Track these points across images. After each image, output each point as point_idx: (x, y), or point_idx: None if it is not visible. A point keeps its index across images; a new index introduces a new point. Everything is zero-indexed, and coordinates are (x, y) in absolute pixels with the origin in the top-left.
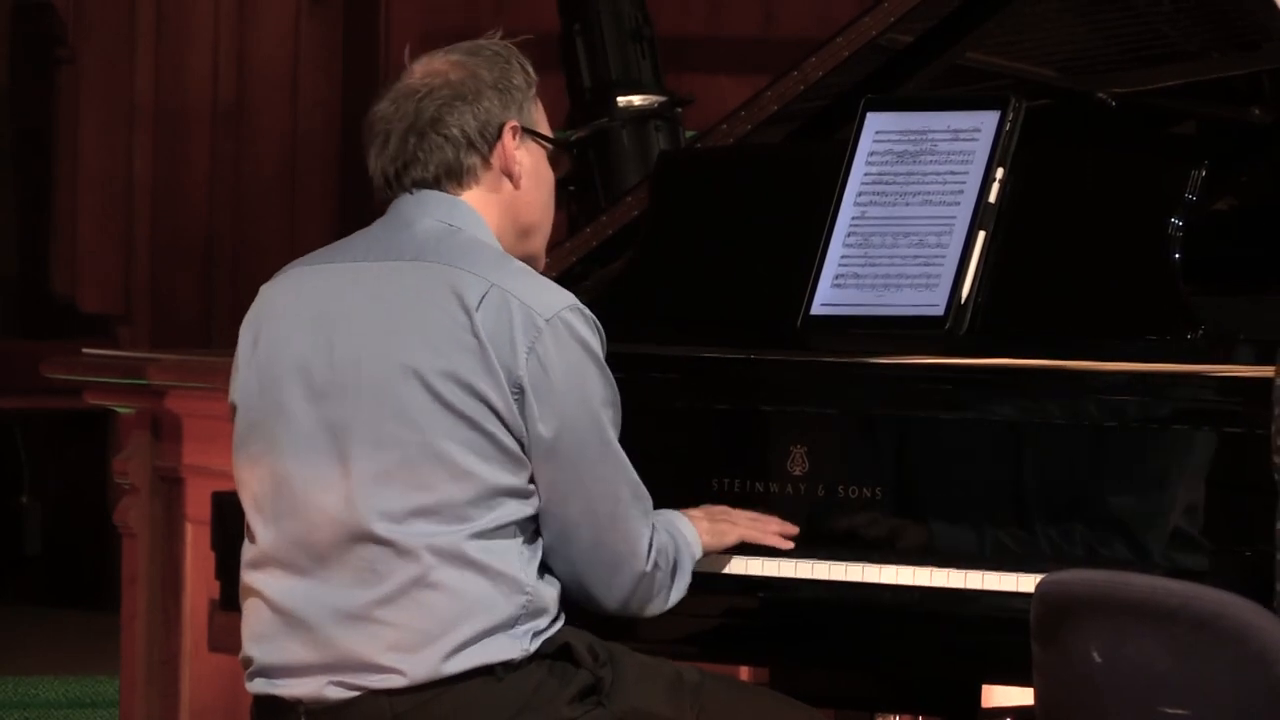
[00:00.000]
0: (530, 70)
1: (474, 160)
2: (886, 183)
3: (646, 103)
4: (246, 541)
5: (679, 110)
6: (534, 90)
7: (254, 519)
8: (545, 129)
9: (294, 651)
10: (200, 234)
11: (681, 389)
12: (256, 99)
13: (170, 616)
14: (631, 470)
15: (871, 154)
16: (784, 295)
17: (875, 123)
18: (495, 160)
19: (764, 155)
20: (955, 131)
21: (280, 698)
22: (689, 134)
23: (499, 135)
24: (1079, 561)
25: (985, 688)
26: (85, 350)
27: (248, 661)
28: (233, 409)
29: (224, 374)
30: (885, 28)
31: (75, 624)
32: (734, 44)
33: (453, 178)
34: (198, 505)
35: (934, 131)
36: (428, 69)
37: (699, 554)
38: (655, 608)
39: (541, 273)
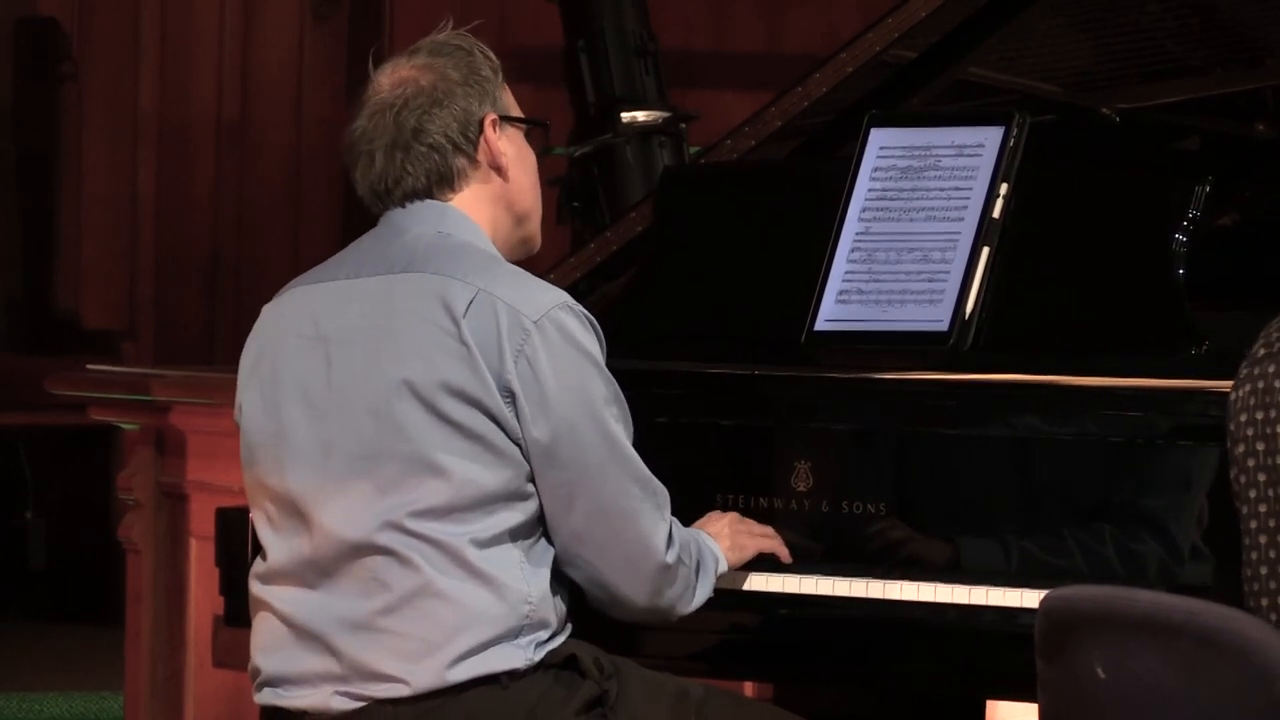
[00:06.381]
0: (493, 56)
1: (462, 162)
2: (890, 198)
3: (651, 118)
4: (259, 555)
5: (683, 126)
6: (500, 75)
7: (264, 534)
8: (517, 110)
9: (302, 661)
10: (204, 250)
11: (685, 404)
12: (260, 115)
13: (175, 632)
14: (642, 466)
15: (875, 169)
16: (788, 310)
17: (879, 138)
18: (482, 156)
19: (768, 171)
20: (959, 147)
21: (287, 709)
22: (693, 150)
23: (480, 131)
24: (1083, 577)
25: (989, 704)
26: (89, 366)
27: (256, 672)
28: (237, 428)
29: (228, 390)
30: (889, 43)
31: (79, 640)
32: (738, 60)
33: (444, 183)
34: (202, 521)
35: (938, 147)
36: (395, 78)
37: (724, 567)
38: (684, 605)
39: (543, 271)
